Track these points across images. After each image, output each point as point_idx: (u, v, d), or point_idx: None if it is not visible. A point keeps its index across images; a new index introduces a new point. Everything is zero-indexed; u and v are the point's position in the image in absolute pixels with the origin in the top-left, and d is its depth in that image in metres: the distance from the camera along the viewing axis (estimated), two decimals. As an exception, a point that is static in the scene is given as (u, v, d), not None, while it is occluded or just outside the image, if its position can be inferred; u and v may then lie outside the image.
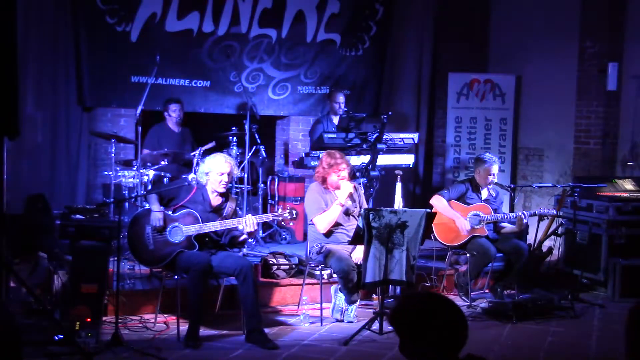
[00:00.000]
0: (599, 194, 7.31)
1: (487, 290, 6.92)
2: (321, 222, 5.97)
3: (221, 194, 5.63)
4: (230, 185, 7.09)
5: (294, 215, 5.54)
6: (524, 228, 6.75)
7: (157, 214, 5.46)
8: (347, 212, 6.10)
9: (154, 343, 5.24)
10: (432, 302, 2.39)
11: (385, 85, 9.26)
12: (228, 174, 5.54)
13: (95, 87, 7.74)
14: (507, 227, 6.72)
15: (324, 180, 6.08)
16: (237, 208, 5.97)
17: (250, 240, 6.84)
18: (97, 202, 7.15)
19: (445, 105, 9.27)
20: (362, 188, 6.64)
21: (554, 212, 6.71)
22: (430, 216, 5.78)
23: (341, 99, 8.14)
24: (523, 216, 6.51)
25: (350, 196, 6.03)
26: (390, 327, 5.49)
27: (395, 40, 9.26)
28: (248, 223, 5.40)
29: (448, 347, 2.32)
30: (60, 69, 7.64)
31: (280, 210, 5.63)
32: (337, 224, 6.02)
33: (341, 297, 5.98)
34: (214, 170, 5.53)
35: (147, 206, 5.71)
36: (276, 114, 8.89)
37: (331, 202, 6.01)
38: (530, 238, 7.31)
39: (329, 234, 6.01)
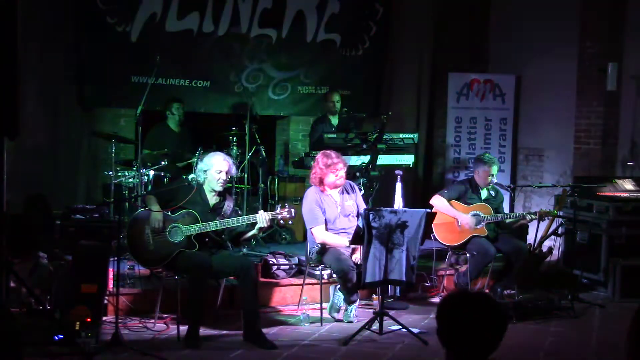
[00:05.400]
0: (599, 194, 7.31)
1: (487, 290, 6.91)
2: (319, 237, 5.92)
3: (219, 193, 5.64)
4: (230, 185, 7.13)
5: (293, 214, 5.53)
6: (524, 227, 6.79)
7: (156, 214, 5.44)
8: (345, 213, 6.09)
9: (154, 343, 5.24)
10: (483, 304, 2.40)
11: (385, 85, 9.26)
12: (226, 172, 5.55)
13: (95, 87, 7.75)
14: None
15: (321, 182, 6.02)
16: (237, 208, 5.97)
17: (261, 235, 6.65)
18: (97, 202, 7.16)
19: (445, 105, 9.26)
20: (362, 188, 6.63)
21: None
22: (430, 216, 5.78)
23: (335, 98, 8.13)
24: (525, 220, 6.54)
25: (342, 204, 6.03)
26: (393, 327, 5.55)
27: (395, 40, 9.27)
28: (261, 219, 5.40)
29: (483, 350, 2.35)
30: (60, 69, 7.65)
31: (279, 208, 5.58)
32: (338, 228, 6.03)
33: (339, 295, 5.98)
34: (213, 168, 5.53)
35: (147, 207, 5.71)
36: (276, 114, 8.89)
37: (329, 205, 5.97)
38: (530, 238, 7.31)
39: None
